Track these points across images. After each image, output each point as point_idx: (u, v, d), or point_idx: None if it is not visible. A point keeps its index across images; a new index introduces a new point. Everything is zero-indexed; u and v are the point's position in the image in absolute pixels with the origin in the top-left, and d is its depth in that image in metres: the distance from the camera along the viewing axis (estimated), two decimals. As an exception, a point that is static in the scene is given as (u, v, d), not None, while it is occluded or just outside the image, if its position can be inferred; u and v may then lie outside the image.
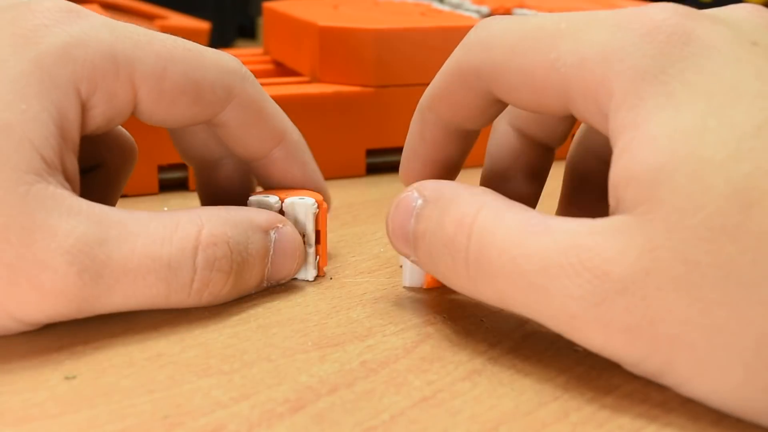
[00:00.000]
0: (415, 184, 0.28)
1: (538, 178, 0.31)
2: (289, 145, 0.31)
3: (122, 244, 0.25)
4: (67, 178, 0.26)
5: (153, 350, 0.26)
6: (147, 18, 0.66)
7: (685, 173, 0.21)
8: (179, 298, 0.27)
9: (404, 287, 0.31)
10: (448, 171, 0.30)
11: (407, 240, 0.27)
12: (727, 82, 0.22)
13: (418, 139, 0.30)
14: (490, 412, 0.23)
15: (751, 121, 0.21)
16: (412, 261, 0.27)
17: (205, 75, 0.29)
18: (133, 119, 0.33)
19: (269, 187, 0.32)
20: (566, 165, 0.31)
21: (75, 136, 0.27)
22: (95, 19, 0.27)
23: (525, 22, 0.26)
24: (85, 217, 0.25)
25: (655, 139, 0.22)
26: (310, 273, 0.31)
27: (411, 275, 0.30)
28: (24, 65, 0.26)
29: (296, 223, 0.30)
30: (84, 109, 0.27)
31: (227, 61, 0.30)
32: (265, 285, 0.30)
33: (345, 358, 0.26)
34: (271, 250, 0.29)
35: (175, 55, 0.28)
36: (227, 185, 0.33)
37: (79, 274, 0.24)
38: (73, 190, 0.26)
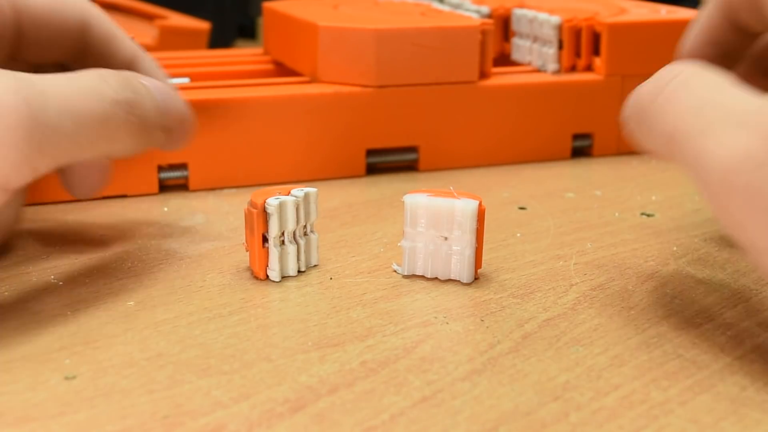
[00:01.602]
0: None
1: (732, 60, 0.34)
2: (143, 63, 0.35)
3: (49, 81, 0.26)
4: None
5: (153, 350, 0.26)
6: (147, 18, 0.66)
7: None
8: (117, 119, 0.28)
9: (403, 276, 0.31)
10: (718, 57, 0.32)
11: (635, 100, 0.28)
12: None
13: (702, 18, 0.32)
14: (490, 412, 0.23)
15: None
16: (629, 129, 0.28)
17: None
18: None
19: None
20: None
21: None
22: None
23: None
24: (6, 72, 0.26)
25: None
26: (314, 258, 0.33)
27: (408, 265, 0.31)
28: None
29: (308, 214, 0.31)
30: None
31: None
32: (168, 133, 0.31)
33: (345, 358, 0.26)
34: (152, 89, 0.30)
35: None
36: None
37: (27, 102, 0.25)
38: None
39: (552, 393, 0.24)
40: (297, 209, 0.31)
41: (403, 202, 0.31)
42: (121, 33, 0.35)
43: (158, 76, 0.35)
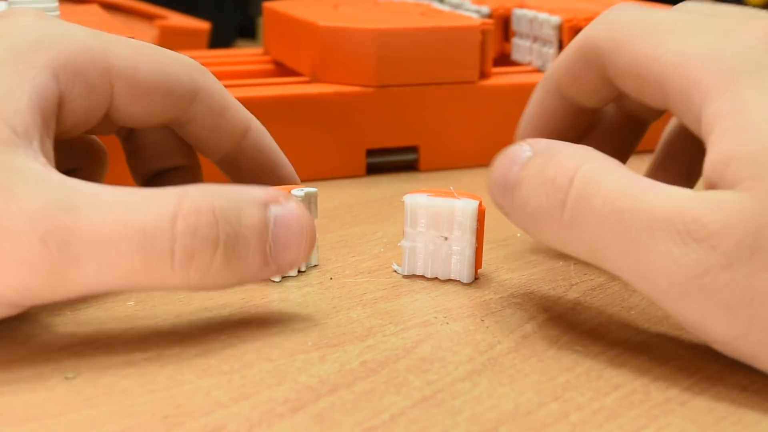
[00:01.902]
0: (528, 140, 0.27)
1: (626, 151, 0.33)
2: (256, 134, 0.32)
3: (92, 212, 0.24)
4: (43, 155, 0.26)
5: (153, 350, 0.26)
6: (147, 18, 0.66)
7: None
8: (162, 271, 0.24)
9: (403, 276, 0.31)
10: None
11: (506, 187, 0.27)
12: None
13: (537, 106, 0.31)
14: (490, 412, 0.23)
15: None
16: (505, 213, 0.27)
17: (172, 68, 0.29)
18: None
19: (241, 183, 0.31)
20: (664, 138, 0.33)
21: (50, 117, 0.26)
22: (67, 22, 0.28)
23: (650, 14, 0.27)
24: (54, 186, 0.24)
25: (755, 124, 0.23)
26: (315, 258, 0.32)
27: (408, 265, 0.31)
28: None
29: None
30: (65, 100, 0.27)
31: (187, 57, 0.31)
32: (273, 268, 0.26)
33: (345, 358, 0.26)
34: (272, 225, 0.26)
35: (143, 51, 0.29)
36: None
37: (43, 240, 0.23)
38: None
39: (552, 393, 0.24)
40: None
41: (403, 202, 0.31)
42: (234, 104, 0.31)
43: (270, 147, 0.32)
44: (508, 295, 0.30)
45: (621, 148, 0.33)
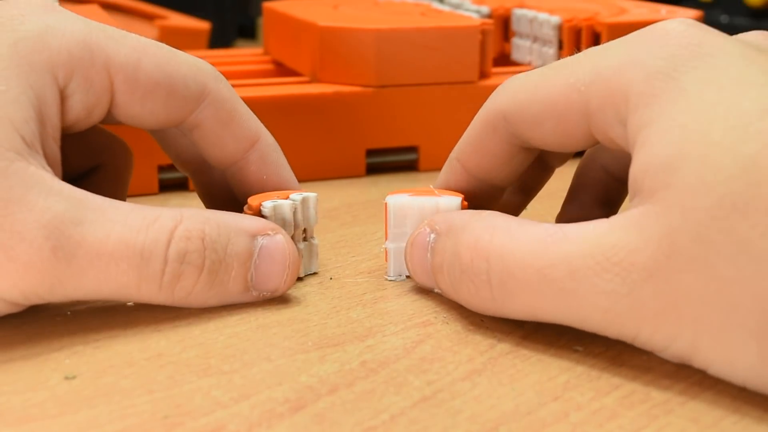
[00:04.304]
0: (426, 221, 0.29)
1: (530, 192, 0.33)
2: (265, 147, 0.31)
3: (98, 228, 0.25)
4: (49, 164, 0.26)
5: (153, 350, 0.26)
6: (147, 18, 0.66)
7: (696, 157, 0.22)
8: (150, 289, 0.26)
9: (388, 280, 0.31)
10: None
11: (428, 276, 0.28)
12: (735, 75, 0.23)
13: (444, 187, 0.31)
14: (490, 412, 0.23)
15: (758, 106, 0.22)
16: (437, 292, 0.29)
17: (179, 69, 0.29)
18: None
19: (244, 194, 0.31)
20: (576, 171, 0.32)
21: (55, 122, 0.27)
22: (70, 13, 0.28)
23: (547, 66, 0.28)
24: (64, 197, 0.25)
25: (669, 131, 0.23)
26: (314, 265, 0.32)
27: (395, 267, 0.31)
28: (2, 50, 0.26)
29: (307, 218, 0.30)
30: (62, 97, 0.27)
31: (200, 61, 0.30)
32: (254, 294, 0.28)
33: (345, 358, 0.26)
34: (256, 256, 0.28)
35: (148, 50, 0.29)
36: (225, 186, 0.33)
37: (53, 251, 0.25)
38: (56, 175, 0.26)
39: (552, 393, 0.24)
40: (294, 213, 0.30)
41: (385, 203, 0.30)
42: (244, 114, 0.31)
43: (276, 163, 0.31)
44: (508, 295, 0.30)
45: (524, 191, 0.32)
